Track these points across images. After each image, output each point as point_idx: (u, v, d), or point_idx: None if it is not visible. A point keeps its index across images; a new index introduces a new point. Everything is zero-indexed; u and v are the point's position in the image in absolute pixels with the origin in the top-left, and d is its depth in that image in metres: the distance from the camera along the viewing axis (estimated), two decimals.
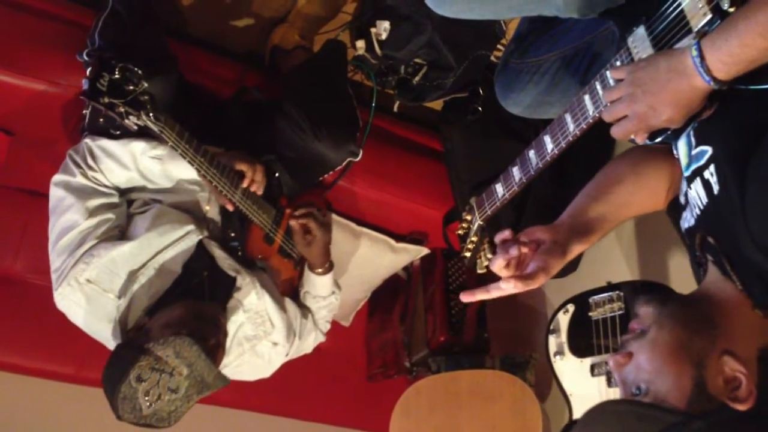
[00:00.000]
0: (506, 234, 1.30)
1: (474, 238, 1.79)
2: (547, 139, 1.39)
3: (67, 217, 1.76)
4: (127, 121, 1.53)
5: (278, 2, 2.37)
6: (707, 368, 0.96)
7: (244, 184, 1.81)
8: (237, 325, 1.85)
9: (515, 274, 1.25)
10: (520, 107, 1.74)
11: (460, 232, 1.87)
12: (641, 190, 1.35)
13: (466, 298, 1.29)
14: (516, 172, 1.53)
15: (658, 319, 1.05)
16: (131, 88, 1.50)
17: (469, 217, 1.81)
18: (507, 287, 1.23)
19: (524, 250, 1.26)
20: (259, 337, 1.91)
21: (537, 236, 1.29)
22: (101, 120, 1.63)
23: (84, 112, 1.88)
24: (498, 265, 1.27)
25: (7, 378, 2.27)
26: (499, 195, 1.62)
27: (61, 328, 1.81)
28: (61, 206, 1.77)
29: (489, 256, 1.80)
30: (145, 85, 1.52)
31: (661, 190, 1.35)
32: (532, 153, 1.46)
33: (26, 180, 2.18)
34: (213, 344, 1.64)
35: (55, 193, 1.79)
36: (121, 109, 1.51)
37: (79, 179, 1.79)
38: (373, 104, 2.34)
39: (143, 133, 1.77)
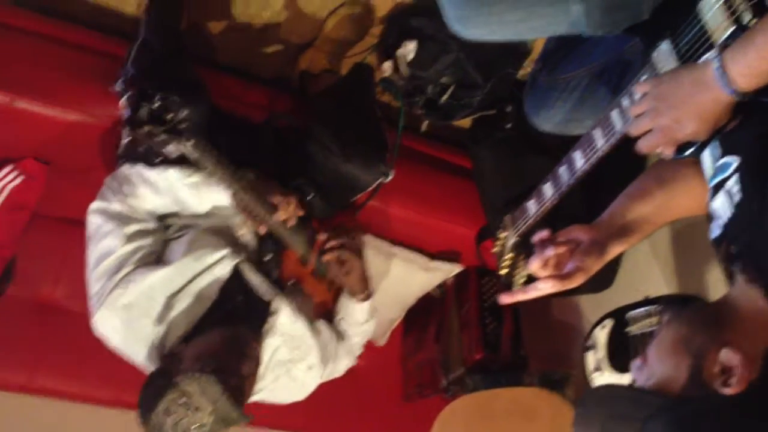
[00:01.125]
0: (544, 234, 1.30)
1: (509, 256, 1.81)
2: (578, 155, 1.41)
3: (105, 244, 1.80)
4: (166, 149, 1.58)
5: (305, 28, 2.43)
6: (705, 359, 0.97)
7: (281, 218, 1.83)
8: (273, 348, 1.87)
9: (553, 273, 1.26)
10: (550, 124, 1.76)
11: (495, 250, 1.89)
12: (684, 193, 1.34)
13: (505, 299, 1.30)
14: (548, 188, 1.55)
15: (669, 321, 1.07)
16: (170, 116, 1.54)
17: (503, 235, 1.83)
18: (544, 287, 1.25)
19: (561, 249, 1.27)
20: (294, 361, 1.93)
21: (575, 235, 1.29)
22: (140, 149, 1.68)
23: (123, 141, 1.95)
24: (536, 265, 1.27)
25: (49, 404, 2.33)
26: (532, 212, 1.64)
27: (102, 354, 1.84)
28: (98, 233, 1.81)
29: (525, 273, 1.82)
30: (185, 113, 1.56)
31: (703, 194, 1.35)
32: (563, 169, 1.48)
33: (64, 209, 2.25)
34: (241, 379, 1.66)
35: (93, 220, 1.83)
36: (161, 138, 1.55)
37: (116, 206, 1.83)
38: (401, 124, 2.37)
39: (180, 161, 1.83)
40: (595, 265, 1.27)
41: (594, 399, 1.10)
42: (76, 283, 1.87)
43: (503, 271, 1.84)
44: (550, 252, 1.25)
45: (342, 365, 2.14)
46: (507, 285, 1.88)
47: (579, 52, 1.63)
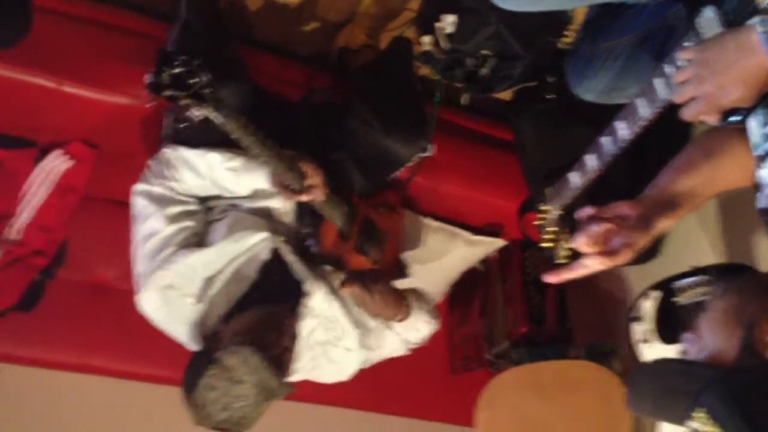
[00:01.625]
0: (589, 210, 1.27)
1: (553, 229, 1.81)
2: (621, 124, 1.40)
3: (148, 225, 1.85)
4: (189, 113, 1.58)
5: (343, 4, 2.44)
6: (757, 329, 0.97)
7: (308, 183, 1.83)
8: (309, 329, 1.90)
9: (599, 250, 1.24)
10: (592, 94, 1.75)
11: (538, 222, 1.88)
12: (731, 164, 1.31)
13: (551, 279, 1.29)
14: (591, 159, 1.54)
15: (720, 293, 1.07)
16: (193, 81, 1.54)
17: (546, 208, 1.83)
18: (592, 264, 1.23)
19: (607, 225, 1.24)
20: (331, 342, 1.95)
21: (621, 211, 1.26)
22: (181, 125, 1.70)
23: (166, 123, 2.00)
24: (581, 243, 1.25)
25: (103, 382, 2.42)
26: (575, 183, 1.64)
27: (153, 332, 1.90)
28: (142, 214, 1.87)
29: (567, 246, 1.82)
30: (207, 78, 1.55)
31: (751, 164, 1.31)
32: (606, 139, 1.47)
33: (113, 191, 2.32)
34: (278, 351, 1.68)
35: (136, 202, 1.89)
36: (184, 102, 1.55)
37: (158, 188, 1.89)
38: (437, 97, 2.36)
39: (221, 143, 1.86)
40: (642, 241, 1.24)
41: (645, 374, 1.10)
42: (126, 264, 1.93)
43: (546, 245, 1.84)
44: (596, 228, 1.23)
45: (393, 343, 2.09)
46: (550, 258, 1.88)
47: (621, 20, 1.62)
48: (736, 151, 1.30)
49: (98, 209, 2.36)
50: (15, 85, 2.01)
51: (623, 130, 1.39)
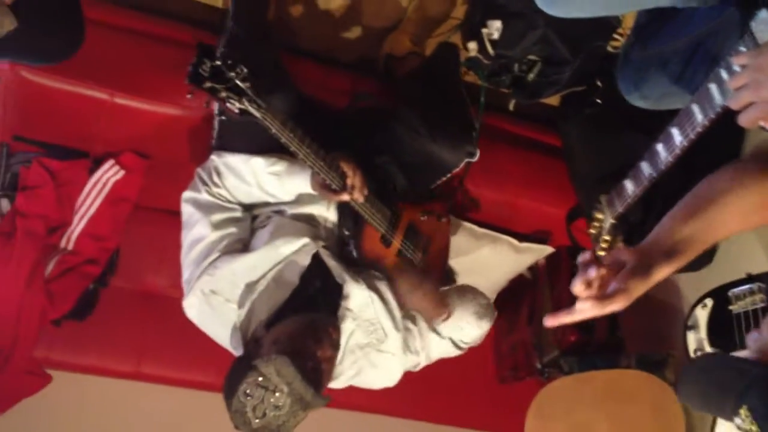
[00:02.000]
0: (587, 256, 1.29)
1: (607, 237, 1.80)
2: (675, 131, 1.38)
3: (195, 231, 1.90)
4: (228, 105, 1.62)
5: (389, 11, 2.46)
6: None
7: (349, 183, 1.85)
8: (348, 332, 1.91)
9: (593, 294, 1.25)
10: (646, 100, 1.73)
11: (592, 231, 1.87)
12: (733, 211, 1.30)
13: (550, 322, 1.30)
14: (645, 167, 1.52)
15: None
16: (232, 74, 1.58)
17: (600, 216, 1.81)
18: (585, 308, 1.24)
19: (603, 271, 1.25)
20: (372, 345, 1.96)
21: (619, 257, 1.28)
22: (221, 117, 1.71)
23: (215, 132, 2.04)
24: (577, 287, 1.27)
25: (154, 389, 2.47)
26: (630, 192, 1.62)
27: (202, 339, 1.94)
28: (189, 221, 1.93)
29: None
30: (245, 71, 1.60)
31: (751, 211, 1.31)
32: (660, 147, 1.45)
33: (163, 200, 2.36)
34: (317, 362, 1.69)
35: (186, 209, 1.95)
36: (223, 94, 1.60)
37: (205, 196, 1.94)
38: (482, 103, 2.37)
39: (266, 150, 1.90)
40: (639, 288, 1.25)
41: (697, 367, 1.10)
42: (176, 272, 1.98)
43: (601, 254, 1.83)
44: (593, 273, 1.24)
45: (443, 347, 2.10)
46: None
47: (673, 24, 1.60)
48: (737, 197, 1.29)
49: (149, 218, 2.41)
50: (69, 97, 2.07)
51: (678, 136, 1.37)
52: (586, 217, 2.39)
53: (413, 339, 2.03)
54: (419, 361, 2.07)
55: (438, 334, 2.06)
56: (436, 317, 2.01)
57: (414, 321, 2.06)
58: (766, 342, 1.02)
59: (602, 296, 1.24)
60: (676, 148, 1.39)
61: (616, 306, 1.23)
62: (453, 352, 2.14)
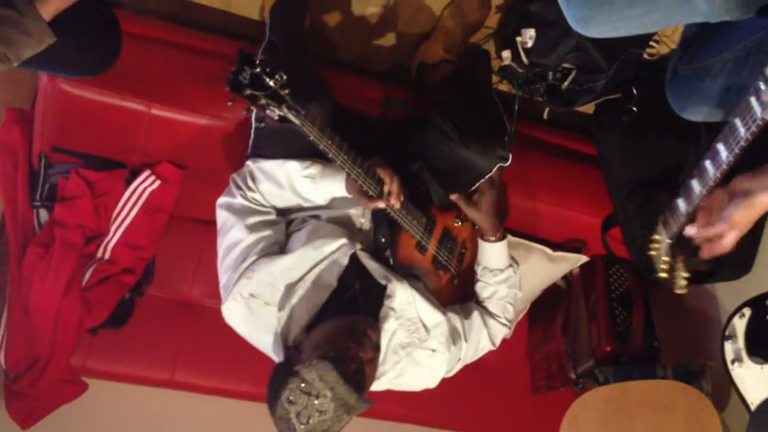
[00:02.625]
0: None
1: (666, 258, 1.80)
2: (721, 146, 1.39)
3: (231, 236, 1.92)
4: (268, 112, 1.64)
5: (422, 20, 2.49)
6: None
7: (386, 190, 1.87)
8: (390, 332, 1.92)
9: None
10: (696, 114, 1.73)
11: (652, 253, 1.88)
12: None
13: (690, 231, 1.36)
14: (695, 184, 1.52)
15: None
16: (272, 82, 1.59)
17: (657, 237, 1.82)
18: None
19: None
20: (414, 344, 1.97)
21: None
22: (260, 124, 1.74)
23: (250, 140, 2.07)
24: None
25: (189, 397, 2.51)
26: (683, 210, 1.62)
27: (238, 348, 1.97)
28: (225, 226, 1.95)
29: (685, 274, 1.81)
30: (284, 78, 1.61)
31: None
32: (708, 163, 1.45)
33: (199, 210, 2.41)
34: (359, 364, 1.70)
35: (220, 215, 1.98)
36: (263, 101, 1.61)
37: (240, 200, 1.97)
38: (516, 110, 2.40)
39: (301, 155, 1.93)
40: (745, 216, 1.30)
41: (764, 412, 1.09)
42: (212, 281, 2.00)
43: (662, 275, 1.83)
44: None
45: (483, 339, 2.15)
46: (668, 289, 1.87)
47: (720, 37, 1.60)
48: None
49: (185, 228, 2.46)
50: (107, 108, 2.11)
51: (723, 151, 1.37)
52: (620, 226, 2.40)
53: (456, 324, 2.06)
54: (460, 355, 2.09)
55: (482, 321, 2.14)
56: (492, 233, 2.12)
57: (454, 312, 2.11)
58: None
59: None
60: (722, 163, 1.39)
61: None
62: (489, 347, 2.19)
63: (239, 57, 1.57)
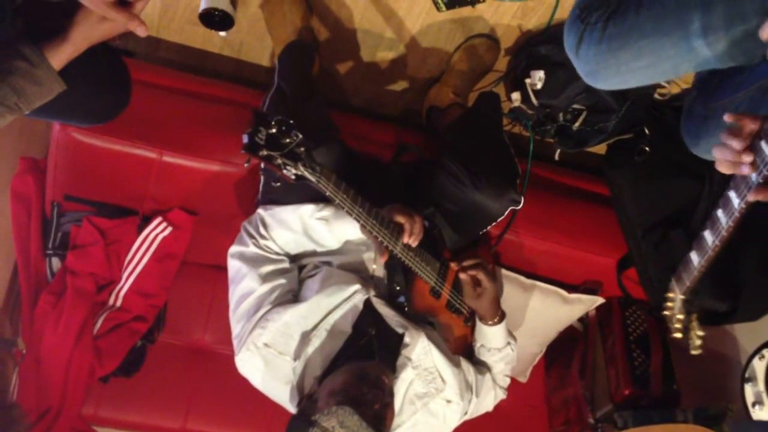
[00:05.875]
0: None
1: (680, 316, 1.80)
2: (732, 194, 1.39)
3: (244, 285, 1.93)
4: (284, 172, 1.66)
5: (432, 64, 2.55)
6: None
7: (405, 238, 1.88)
8: (407, 382, 1.92)
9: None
10: (710, 153, 1.75)
11: (666, 313, 1.88)
12: None
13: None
14: (708, 236, 1.53)
15: None
16: (287, 141, 1.62)
17: (671, 295, 1.82)
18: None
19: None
20: (431, 395, 1.96)
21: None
22: (276, 184, 1.78)
23: (261, 186, 2.11)
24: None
25: None
26: (696, 263, 1.62)
27: (250, 395, 1.97)
28: (238, 276, 1.96)
29: (700, 333, 1.81)
30: (300, 136, 1.63)
31: None
32: (719, 212, 1.46)
33: (211, 256, 2.46)
34: (378, 409, 1.69)
35: (232, 264, 1.99)
36: (279, 161, 1.62)
37: (252, 249, 1.98)
38: (531, 152, 2.43)
39: (312, 201, 1.96)
40: None
41: None
42: (224, 328, 2.02)
43: (677, 335, 1.84)
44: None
45: (489, 399, 2.18)
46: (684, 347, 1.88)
47: (733, 78, 1.62)
48: None
49: (197, 274, 2.51)
50: (118, 156, 2.17)
51: (735, 199, 1.38)
52: (636, 267, 2.40)
53: (470, 384, 2.07)
54: (468, 408, 2.08)
55: (493, 380, 2.16)
56: (489, 318, 2.12)
57: (473, 356, 2.15)
58: None
59: None
60: (735, 211, 1.40)
61: None
62: (492, 407, 2.20)
63: (254, 118, 1.60)
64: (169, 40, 2.49)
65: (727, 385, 2.54)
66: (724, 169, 1.32)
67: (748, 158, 1.28)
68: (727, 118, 1.31)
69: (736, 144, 1.28)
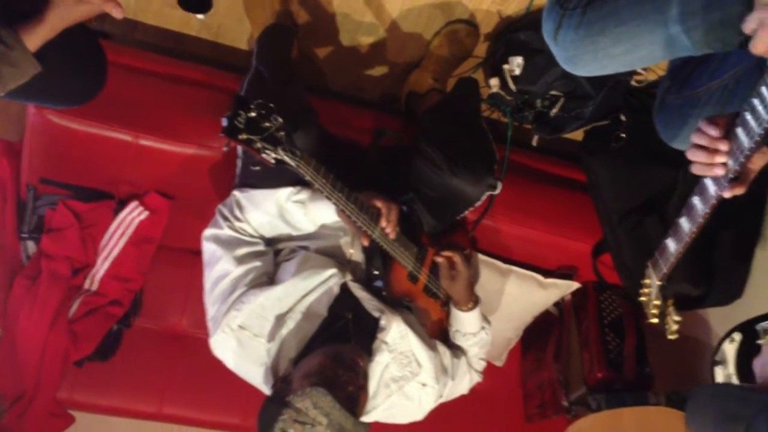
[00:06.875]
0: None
1: (657, 302, 1.81)
2: (709, 181, 1.41)
3: (219, 268, 1.93)
4: (264, 156, 1.66)
5: (411, 49, 2.55)
6: None
7: (382, 223, 1.90)
8: (383, 366, 1.93)
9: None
10: (686, 144, 1.76)
11: (642, 299, 1.90)
12: None
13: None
14: (684, 222, 1.54)
15: None
16: (267, 125, 1.63)
17: (647, 281, 1.83)
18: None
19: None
20: (407, 378, 1.97)
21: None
22: (255, 168, 1.78)
23: (237, 169, 2.10)
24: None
25: (177, 430, 2.53)
26: (673, 250, 1.64)
27: (227, 379, 1.97)
28: (212, 258, 1.96)
29: (676, 318, 1.83)
30: (280, 121, 1.64)
31: None
32: (696, 200, 1.47)
33: (187, 240, 2.43)
34: (351, 391, 1.71)
35: (207, 247, 1.98)
36: (258, 145, 1.63)
37: (227, 231, 1.98)
38: (509, 138, 2.44)
39: (289, 184, 1.96)
40: None
41: (705, 397, 1.12)
42: (200, 312, 2.01)
43: (654, 320, 1.85)
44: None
45: (464, 383, 2.20)
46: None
47: (707, 66, 1.63)
48: None
49: (173, 258, 2.50)
50: (94, 139, 2.15)
51: (711, 186, 1.40)
52: (611, 252, 2.43)
53: (445, 368, 2.09)
54: (443, 392, 2.10)
55: (468, 365, 2.17)
56: (464, 303, 2.13)
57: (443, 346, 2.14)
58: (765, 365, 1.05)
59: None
60: (711, 198, 1.41)
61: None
62: (467, 390, 2.22)
63: (234, 101, 1.60)
64: (147, 22, 2.47)
65: (699, 368, 2.57)
66: (696, 170, 1.34)
67: (723, 147, 1.30)
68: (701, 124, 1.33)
69: (713, 131, 1.30)
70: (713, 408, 1.10)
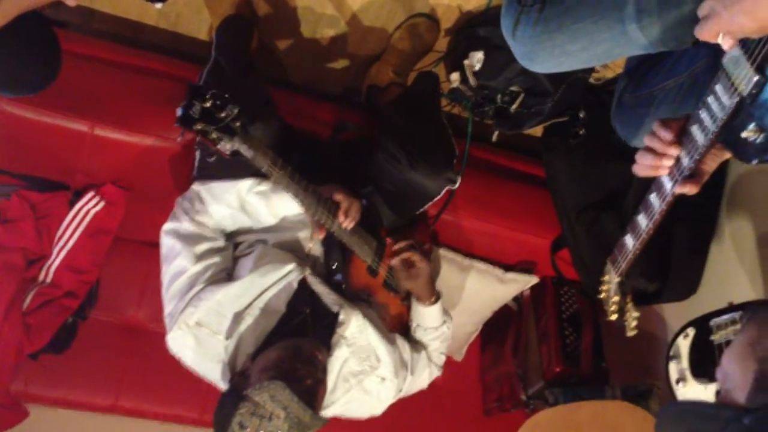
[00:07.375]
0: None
1: (616, 298, 1.83)
2: (665, 179, 1.42)
3: (177, 263, 1.91)
4: (219, 146, 1.64)
5: (372, 43, 2.54)
6: None
7: (340, 217, 1.89)
8: (342, 360, 1.93)
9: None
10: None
11: (601, 296, 1.91)
12: None
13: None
14: (641, 219, 1.55)
15: (743, 325, 1.10)
16: (223, 115, 1.61)
17: (606, 278, 1.85)
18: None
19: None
20: (366, 372, 1.98)
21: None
22: (211, 159, 1.76)
23: (196, 161, 2.08)
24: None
25: (133, 423, 2.49)
26: (630, 246, 1.65)
27: (184, 373, 1.94)
28: (171, 253, 1.94)
29: (635, 314, 1.84)
30: (236, 111, 1.62)
31: None
32: (653, 196, 1.49)
33: (144, 232, 2.41)
34: (309, 384, 1.70)
35: (165, 242, 1.96)
36: (214, 135, 1.62)
37: (187, 225, 1.96)
38: (469, 133, 2.44)
39: (253, 174, 1.94)
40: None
41: (670, 417, 1.13)
42: (157, 305, 1.99)
43: (613, 317, 1.87)
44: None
45: (424, 377, 2.20)
46: (620, 329, 1.90)
47: (662, 66, 1.64)
48: None
49: (130, 250, 2.46)
50: (49, 129, 2.12)
51: (668, 183, 1.41)
52: (569, 248, 2.45)
53: (404, 362, 2.09)
54: (403, 386, 2.11)
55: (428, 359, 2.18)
56: (426, 299, 2.13)
57: (409, 334, 2.16)
58: (728, 380, 1.06)
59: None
60: (667, 195, 1.42)
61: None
62: (426, 384, 2.23)
63: (188, 91, 1.58)
64: (103, 11, 2.43)
65: (654, 363, 2.59)
66: (641, 172, 1.36)
67: (674, 152, 1.32)
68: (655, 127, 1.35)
69: (666, 134, 1.31)
70: (678, 429, 1.10)
